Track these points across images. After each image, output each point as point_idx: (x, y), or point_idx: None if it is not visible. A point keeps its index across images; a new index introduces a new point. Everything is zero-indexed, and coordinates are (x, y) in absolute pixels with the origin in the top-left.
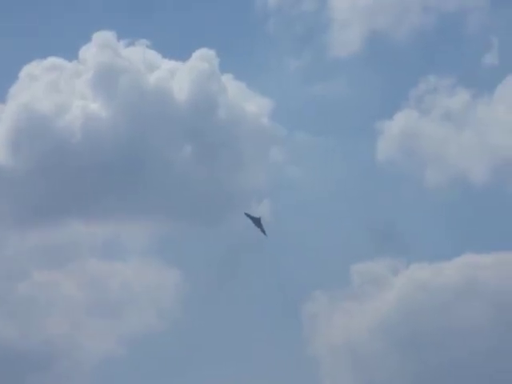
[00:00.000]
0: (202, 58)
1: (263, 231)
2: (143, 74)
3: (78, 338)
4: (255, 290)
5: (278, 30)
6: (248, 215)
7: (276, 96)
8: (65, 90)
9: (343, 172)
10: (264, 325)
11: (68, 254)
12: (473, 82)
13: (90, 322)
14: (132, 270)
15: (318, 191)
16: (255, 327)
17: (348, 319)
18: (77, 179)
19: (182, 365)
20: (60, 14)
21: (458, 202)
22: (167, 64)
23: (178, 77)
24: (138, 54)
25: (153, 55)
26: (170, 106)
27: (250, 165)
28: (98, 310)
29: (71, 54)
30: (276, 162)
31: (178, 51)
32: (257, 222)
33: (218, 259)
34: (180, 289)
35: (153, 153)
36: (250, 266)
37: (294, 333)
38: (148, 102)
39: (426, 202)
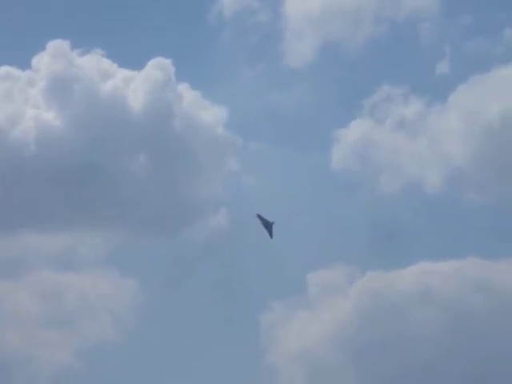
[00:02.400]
0: (158, 67)
1: (270, 234)
2: (98, 83)
3: (33, 350)
4: (211, 300)
5: (233, 39)
6: (260, 217)
7: (231, 105)
8: (18, 99)
9: (299, 181)
10: (221, 334)
11: (22, 265)
12: (426, 90)
13: (45, 333)
14: (87, 281)
15: (274, 200)
16: (212, 337)
17: (304, 328)
18: (31, 189)
19: (138, 375)
20: (13, 22)
21: (411, 209)
22: (122, 73)
23: (133, 86)
24: (93, 63)
25: (108, 64)
26: (124, 115)
27: (206, 174)
28: (53, 322)
29: (24, 62)
30: (232, 171)
31: (133, 60)
32: (268, 225)
33: (174, 269)
34: (136, 299)
35: (108, 162)
36: (207, 275)
37: (250, 342)
38: (103, 111)
39: (381, 208)
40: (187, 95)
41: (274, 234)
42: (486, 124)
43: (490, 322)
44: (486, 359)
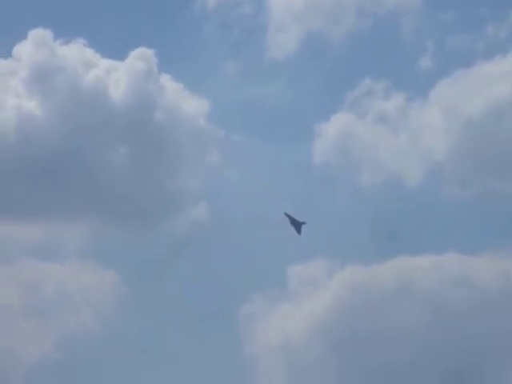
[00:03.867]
0: (140, 58)
1: (298, 232)
2: (80, 73)
3: (12, 340)
4: (192, 292)
5: (217, 31)
6: (288, 215)
7: (214, 98)
8: None
9: (281, 173)
10: (201, 326)
11: (1, 256)
12: (407, 85)
13: (24, 324)
14: (67, 272)
15: (256, 193)
16: (192, 329)
17: (284, 320)
18: (11, 179)
19: (117, 366)
20: None
21: (392, 203)
22: (105, 63)
23: (116, 76)
24: (75, 53)
25: (90, 54)
26: (106, 105)
27: (188, 166)
28: (33, 312)
29: (5, 51)
30: (213, 163)
31: (116, 50)
32: (297, 224)
33: (154, 261)
34: (116, 290)
35: (89, 153)
36: (188, 267)
37: (231, 334)
38: (84, 101)
39: (361, 203)
40: (170, 87)
41: (254, 226)
42: (467, 119)
43: (469, 317)
44: (465, 354)
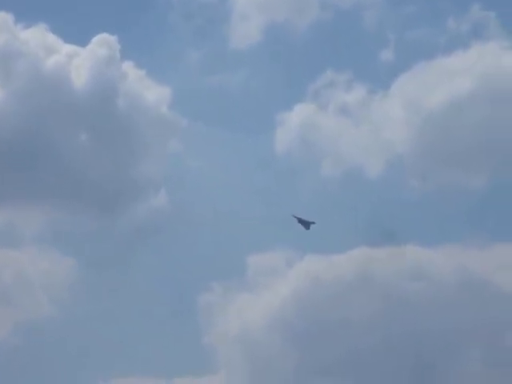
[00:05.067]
0: (103, 44)
1: (307, 228)
2: (41, 59)
3: None
4: (151, 279)
5: (180, 20)
6: (296, 217)
7: (176, 86)
8: None
9: (242, 163)
10: (159, 314)
11: None
12: (369, 77)
13: None
14: (26, 258)
15: (217, 182)
16: (151, 316)
17: (243, 310)
18: None
19: (75, 351)
20: None
21: (352, 195)
22: (66, 48)
23: (77, 62)
24: (37, 38)
25: (52, 39)
26: (68, 91)
27: (149, 154)
28: None
29: None
30: (175, 151)
31: (78, 36)
32: (305, 223)
33: (113, 248)
34: (75, 277)
35: (49, 139)
36: (147, 255)
37: (190, 322)
38: (45, 86)
39: (322, 194)
40: (132, 73)
41: (215, 215)
42: (428, 112)
43: (426, 309)
44: (422, 345)
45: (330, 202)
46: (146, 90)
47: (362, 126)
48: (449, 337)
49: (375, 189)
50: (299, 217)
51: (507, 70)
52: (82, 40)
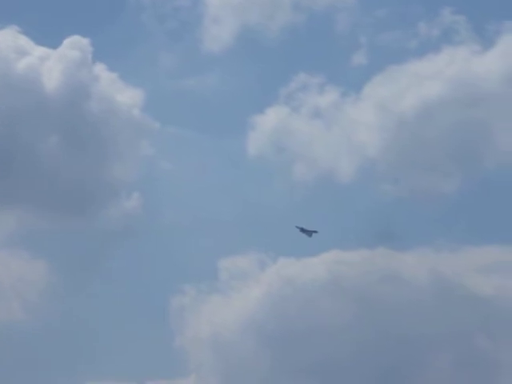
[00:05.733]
0: (75, 46)
1: (309, 235)
2: (12, 61)
3: None
4: (124, 282)
5: (152, 22)
6: (300, 228)
7: (149, 88)
8: None
9: (215, 166)
10: (132, 317)
11: None
12: (341, 80)
13: None
14: None
15: (190, 185)
16: (122, 319)
17: (215, 313)
18: None
19: (46, 355)
20: None
21: (324, 198)
22: (38, 50)
23: (49, 64)
24: (8, 40)
25: (24, 41)
26: (39, 93)
27: (121, 157)
28: None
29: None
30: (147, 154)
31: (50, 38)
32: (308, 233)
33: (86, 251)
34: (47, 281)
35: (20, 141)
36: (120, 258)
37: (162, 325)
38: (16, 88)
39: (294, 197)
40: (104, 76)
41: (187, 218)
42: (399, 116)
43: (397, 312)
44: (393, 349)
45: (303, 206)
46: (119, 93)
47: (334, 130)
48: (420, 339)
49: (347, 192)
50: (301, 227)
51: (478, 75)
52: (53, 42)
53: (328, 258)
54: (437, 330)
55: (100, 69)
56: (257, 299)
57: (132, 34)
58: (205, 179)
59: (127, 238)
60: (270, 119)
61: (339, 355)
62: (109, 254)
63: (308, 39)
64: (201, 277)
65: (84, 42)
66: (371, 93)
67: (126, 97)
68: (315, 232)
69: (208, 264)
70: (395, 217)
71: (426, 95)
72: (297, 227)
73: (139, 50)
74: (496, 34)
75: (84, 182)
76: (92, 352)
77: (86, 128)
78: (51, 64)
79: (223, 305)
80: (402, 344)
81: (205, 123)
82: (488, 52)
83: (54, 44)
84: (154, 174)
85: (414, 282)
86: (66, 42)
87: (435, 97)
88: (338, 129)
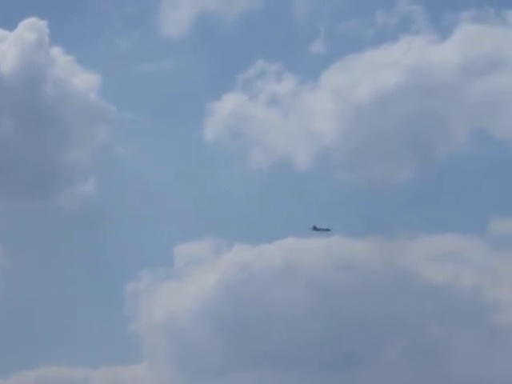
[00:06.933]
0: (31, 28)
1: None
2: None
3: None
4: (78, 269)
5: (111, 6)
6: (314, 228)
7: (106, 73)
8: None
9: (171, 151)
10: (86, 303)
11: None
12: (299, 68)
13: None
14: None
15: (146, 171)
16: (77, 304)
17: (170, 299)
18: None
19: (4, 344)
20: None
21: (281, 185)
22: None
23: (4, 47)
24: None
25: None
26: None
27: (77, 141)
28: None
29: None
30: (103, 139)
31: (5, 20)
32: (322, 230)
33: (41, 236)
34: (1, 265)
35: None
36: (75, 243)
37: (116, 312)
38: None
39: (251, 184)
40: (60, 59)
41: (143, 203)
42: (356, 105)
43: (352, 298)
44: (348, 335)
45: (259, 192)
46: (75, 77)
47: (291, 117)
48: (375, 327)
49: (304, 180)
50: (315, 226)
51: (434, 64)
52: (9, 24)
53: (284, 245)
54: (391, 317)
55: (56, 52)
56: (212, 286)
57: (90, 18)
58: (161, 165)
59: (82, 223)
60: (228, 106)
61: (294, 342)
62: (63, 239)
63: (266, 26)
64: (156, 263)
65: (41, 24)
66: (328, 81)
67: (83, 80)
68: (328, 230)
69: (164, 250)
70: (351, 205)
71: (383, 84)
72: (312, 228)
73: (97, 33)
74: (453, 24)
75: (39, 165)
76: (45, 337)
77: (41, 111)
78: (6, 47)
79: (178, 291)
80: (357, 331)
81: (162, 109)
82: (445, 42)
83: (10, 26)
84: (110, 158)
85: (369, 270)
86: (23, 24)
87: (392, 86)
88: (295, 117)
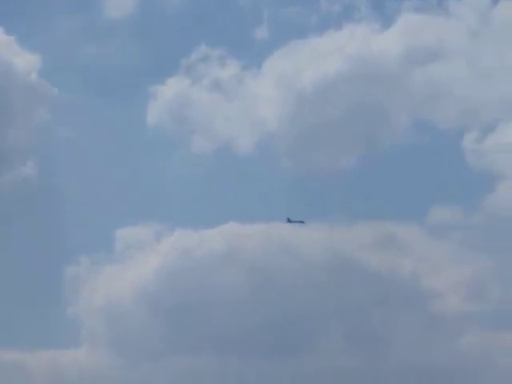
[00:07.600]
0: None
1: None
2: None
3: None
4: (17, 253)
5: None
6: (290, 220)
7: (47, 54)
8: None
9: (113, 135)
10: (25, 287)
11: None
12: (243, 54)
13: None
14: None
15: (87, 153)
16: (15, 289)
17: (110, 283)
18: None
19: None
20: None
21: (223, 170)
22: None
23: None
24: None
25: None
26: None
27: (16, 123)
28: None
29: None
30: (44, 120)
31: None
32: (297, 222)
33: None
34: None
35: None
36: (14, 226)
37: (55, 296)
38: None
39: (193, 168)
40: (0, 39)
41: (83, 187)
42: (299, 91)
43: (291, 285)
44: (288, 323)
45: (201, 177)
46: (15, 57)
47: (234, 103)
48: (315, 313)
49: (246, 165)
50: (289, 218)
51: (377, 53)
52: None
53: (225, 230)
54: (331, 303)
55: None
56: (152, 270)
57: None
58: (102, 147)
59: (21, 206)
60: (170, 89)
61: (235, 327)
62: (2, 221)
63: (210, 11)
64: (96, 247)
65: None
66: (272, 67)
67: (23, 61)
68: (302, 222)
69: (104, 234)
70: (292, 191)
71: (326, 71)
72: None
73: (38, 14)
74: (395, 13)
75: None
76: None
77: None
78: None
79: (118, 275)
80: (298, 317)
81: (104, 91)
82: (387, 30)
83: None
84: (50, 140)
85: (309, 256)
86: None
87: (335, 73)
88: (238, 102)
